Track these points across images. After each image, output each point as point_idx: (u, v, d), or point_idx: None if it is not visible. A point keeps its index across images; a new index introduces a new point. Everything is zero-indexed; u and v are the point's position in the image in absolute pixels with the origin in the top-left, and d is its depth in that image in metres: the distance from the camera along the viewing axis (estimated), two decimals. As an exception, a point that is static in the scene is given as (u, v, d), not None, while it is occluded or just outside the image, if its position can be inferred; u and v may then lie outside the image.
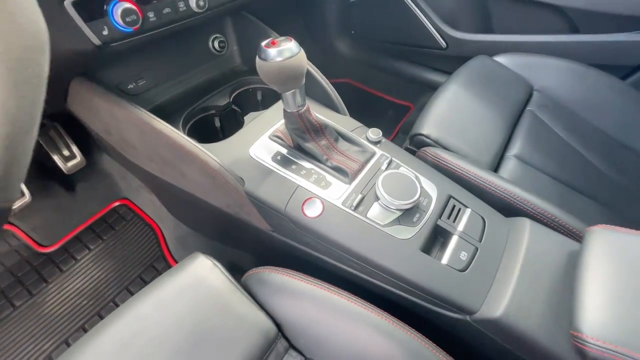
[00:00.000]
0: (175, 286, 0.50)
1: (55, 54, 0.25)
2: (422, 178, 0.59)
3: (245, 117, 0.71)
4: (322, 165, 0.59)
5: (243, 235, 0.76)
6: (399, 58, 1.41)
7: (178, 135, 0.58)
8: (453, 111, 0.80)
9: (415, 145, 0.76)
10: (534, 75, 0.94)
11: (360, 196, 0.55)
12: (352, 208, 0.54)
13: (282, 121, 0.63)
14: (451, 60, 1.26)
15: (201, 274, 0.52)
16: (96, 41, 0.52)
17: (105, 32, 0.52)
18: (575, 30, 1.03)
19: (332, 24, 1.42)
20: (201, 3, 0.61)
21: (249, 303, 0.50)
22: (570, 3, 0.99)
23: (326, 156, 0.59)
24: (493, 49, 1.09)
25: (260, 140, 0.62)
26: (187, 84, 0.77)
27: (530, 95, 0.91)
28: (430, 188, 0.58)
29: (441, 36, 1.24)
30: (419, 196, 0.52)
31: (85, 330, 0.85)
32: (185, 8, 0.60)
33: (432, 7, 1.24)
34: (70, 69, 0.61)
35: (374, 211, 0.54)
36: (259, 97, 0.83)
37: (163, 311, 0.47)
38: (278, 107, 0.70)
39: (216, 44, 0.79)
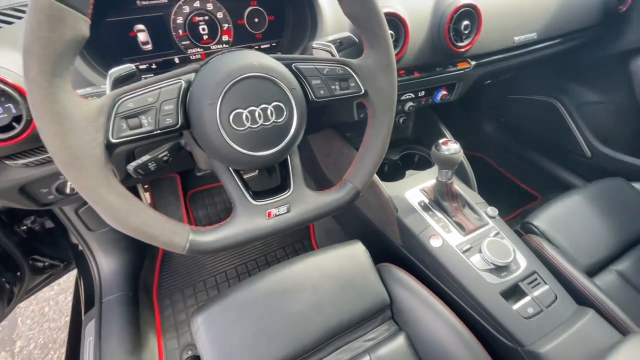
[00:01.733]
0: (339, 254, 0.89)
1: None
2: (517, 252, 0.85)
3: (407, 171, 1.08)
4: (449, 218, 0.91)
5: (377, 240, 1.13)
6: (538, 150, 1.57)
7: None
8: (571, 216, 1.00)
9: (524, 230, 1.00)
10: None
11: (469, 245, 0.85)
12: (462, 251, 0.84)
13: (432, 182, 0.98)
14: (590, 169, 1.37)
15: (356, 251, 0.90)
16: None
17: None
18: None
19: (485, 111, 1.70)
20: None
21: (379, 279, 0.86)
22: None
23: (454, 213, 0.90)
24: (636, 173, 1.19)
25: (413, 189, 0.99)
26: None
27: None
28: (522, 260, 0.83)
29: (587, 146, 1.37)
30: (510, 261, 0.79)
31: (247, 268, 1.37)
32: None
33: (586, 120, 1.38)
34: None
35: (475, 259, 0.83)
36: (416, 159, 1.20)
37: (327, 264, 0.87)
38: (431, 171, 1.05)
39: (400, 120, 1.20)
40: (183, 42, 0.76)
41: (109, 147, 0.42)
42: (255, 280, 0.81)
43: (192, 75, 0.47)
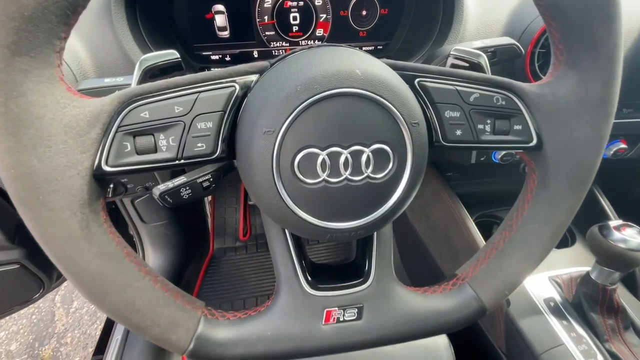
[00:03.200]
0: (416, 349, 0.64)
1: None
2: None
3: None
4: (597, 343, 0.58)
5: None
6: None
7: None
8: None
9: None
10: None
11: (633, 403, 0.52)
12: (618, 409, 0.52)
13: (568, 270, 0.66)
14: None
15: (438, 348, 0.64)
16: None
17: None
18: None
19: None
20: None
21: None
22: None
23: (607, 336, 0.58)
24: None
25: (539, 275, 0.68)
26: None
27: None
28: None
29: None
30: None
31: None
32: None
33: None
34: None
35: None
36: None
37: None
38: (568, 253, 0.72)
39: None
40: (267, 33, 0.59)
41: (100, 178, 0.25)
42: None
43: (253, 79, 0.28)
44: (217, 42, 0.58)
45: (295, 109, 0.24)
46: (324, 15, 0.60)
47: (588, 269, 0.59)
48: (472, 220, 0.77)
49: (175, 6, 0.54)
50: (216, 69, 0.28)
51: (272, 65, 0.29)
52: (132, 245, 1.16)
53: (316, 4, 0.59)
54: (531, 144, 0.31)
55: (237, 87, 0.28)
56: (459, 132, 0.31)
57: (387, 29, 0.63)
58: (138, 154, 0.26)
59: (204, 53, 0.59)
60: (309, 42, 0.62)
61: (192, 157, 0.27)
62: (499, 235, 0.36)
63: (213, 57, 0.60)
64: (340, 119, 0.25)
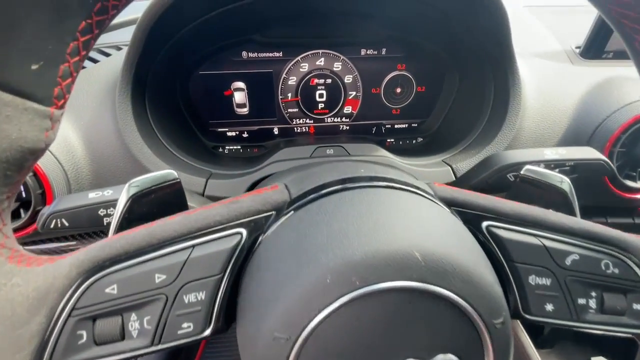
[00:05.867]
0: None
1: None
2: None
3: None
4: None
5: None
6: None
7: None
8: None
9: None
10: None
11: None
12: None
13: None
14: None
15: None
16: None
17: None
18: None
19: None
20: None
21: None
22: None
23: None
24: None
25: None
26: None
27: None
28: None
29: None
30: None
31: None
32: None
33: None
34: None
35: None
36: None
37: None
38: None
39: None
40: (290, 110, 0.54)
41: None
42: None
43: (267, 220, 0.21)
44: (234, 119, 0.53)
45: (322, 311, 0.16)
46: (354, 93, 0.54)
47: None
48: None
49: (191, 84, 0.50)
50: (218, 207, 0.21)
51: (293, 205, 0.22)
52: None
53: (345, 81, 0.53)
54: None
55: (244, 234, 0.20)
56: (549, 307, 0.21)
57: (423, 107, 0.56)
58: (97, 344, 0.18)
59: (219, 129, 0.54)
60: (335, 120, 0.56)
61: (173, 341, 0.19)
62: None
63: (229, 134, 0.54)
64: (388, 324, 0.17)
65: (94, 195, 0.30)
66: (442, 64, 0.52)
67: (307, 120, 0.55)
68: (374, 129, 0.57)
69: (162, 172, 0.26)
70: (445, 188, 0.24)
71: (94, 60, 0.47)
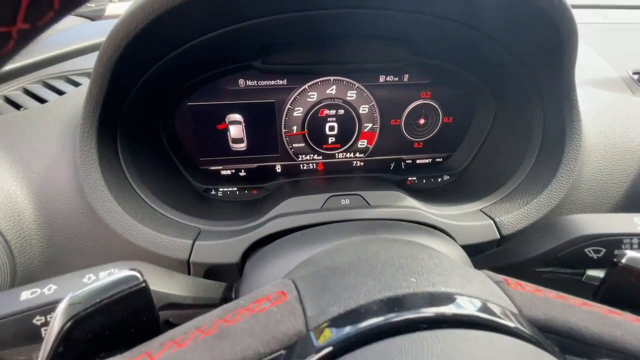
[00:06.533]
0: None
1: None
2: None
3: None
4: None
5: None
6: None
7: None
8: None
9: None
10: None
11: None
12: None
13: None
14: None
15: None
16: None
17: None
18: None
19: None
20: None
21: None
22: None
23: None
24: None
25: None
26: None
27: None
28: None
29: None
30: None
31: None
32: None
33: None
34: None
35: None
36: None
37: None
38: None
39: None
40: (295, 145, 0.46)
41: None
42: None
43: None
44: (229, 156, 0.45)
45: None
46: (370, 125, 0.46)
47: None
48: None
49: (178, 117, 0.41)
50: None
51: (312, 346, 0.14)
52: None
53: (361, 112, 0.45)
54: None
55: None
56: None
57: (450, 140, 0.48)
58: None
59: (211, 168, 0.45)
60: (347, 155, 0.48)
61: None
62: None
63: (223, 173, 0.46)
64: None
65: (28, 296, 0.21)
66: (474, 91, 0.45)
67: (315, 157, 0.47)
68: (392, 165, 0.49)
69: (119, 277, 0.18)
70: (529, 297, 0.16)
71: (60, 92, 0.39)
